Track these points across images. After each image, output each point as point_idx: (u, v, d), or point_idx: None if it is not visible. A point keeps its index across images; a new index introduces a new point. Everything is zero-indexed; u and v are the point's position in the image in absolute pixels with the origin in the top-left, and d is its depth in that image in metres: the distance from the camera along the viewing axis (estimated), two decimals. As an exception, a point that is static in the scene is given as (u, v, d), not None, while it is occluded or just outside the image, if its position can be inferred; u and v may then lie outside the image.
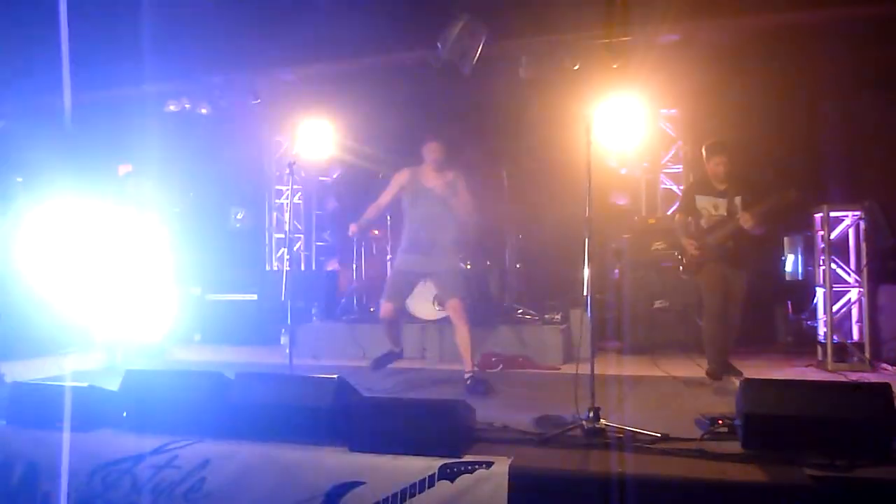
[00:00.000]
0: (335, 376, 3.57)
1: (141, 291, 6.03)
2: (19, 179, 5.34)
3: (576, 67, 6.56)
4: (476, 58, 6.29)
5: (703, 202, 5.12)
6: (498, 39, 6.33)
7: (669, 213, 7.64)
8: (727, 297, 5.01)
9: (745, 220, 4.84)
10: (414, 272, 5.24)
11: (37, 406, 3.73)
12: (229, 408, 3.59)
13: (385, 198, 5.26)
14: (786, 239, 6.27)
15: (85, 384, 3.83)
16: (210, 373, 3.78)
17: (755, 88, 6.90)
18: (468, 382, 4.91)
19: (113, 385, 3.89)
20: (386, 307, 5.15)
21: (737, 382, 3.77)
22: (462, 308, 5.02)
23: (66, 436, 3.55)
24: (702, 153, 5.14)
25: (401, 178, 5.21)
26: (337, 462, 3.19)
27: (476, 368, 5.18)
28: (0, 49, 6.53)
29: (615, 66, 6.51)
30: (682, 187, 7.83)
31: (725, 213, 5.03)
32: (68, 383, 3.80)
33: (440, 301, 6.12)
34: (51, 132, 7.24)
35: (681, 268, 5.36)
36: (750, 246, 5.00)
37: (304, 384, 3.63)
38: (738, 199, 4.98)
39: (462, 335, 5.01)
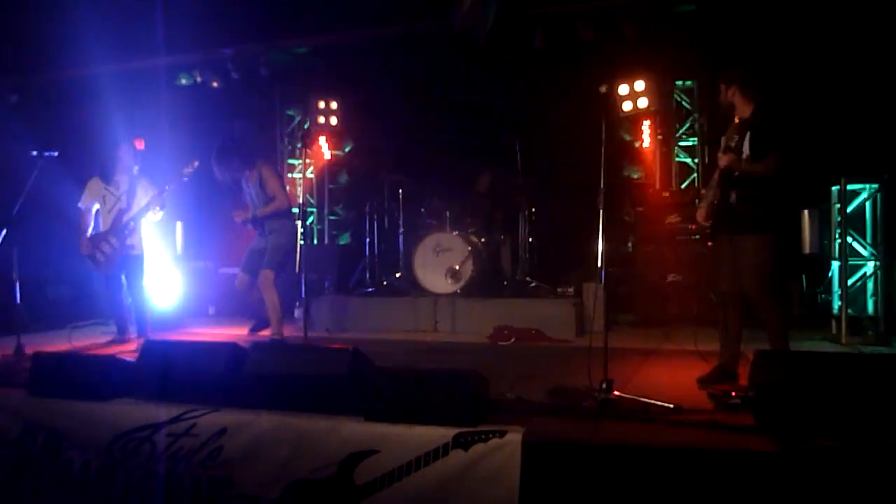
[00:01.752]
0: (350, 346, 3.60)
1: (151, 264, 6.09)
2: (34, 153, 5.39)
3: (591, 39, 6.47)
4: (490, 27, 6.22)
5: (722, 142, 4.12)
6: (511, 9, 6.25)
7: (683, 186, 7.60)
8: (734, 271, 4.09)
9: (723, 160, 3.98)
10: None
11: (57, 375, 3.78)
12: (246, 377, 3.63)
13: None
14: (803, 212, 6.21)
15: (103, 355, 3.89)
16: (226, 343, 3.83)
17: (773, 60, 6.80)
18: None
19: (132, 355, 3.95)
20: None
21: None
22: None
23: (87, 404, 3.61)
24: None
25: None
26: (352, 431, 3.23)
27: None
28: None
29: (630, 37, 6.43)
30: (696, 161, 7.77)
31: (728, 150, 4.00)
32: (88, 353, 3.85)
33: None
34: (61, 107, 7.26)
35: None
36: (753, 205, 4.00)
37: (320, 355, 3.66)
38: (746, 140, 4.00)
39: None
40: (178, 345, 4.06)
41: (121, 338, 5.75)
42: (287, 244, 5.63)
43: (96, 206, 5.76)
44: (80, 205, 5.80)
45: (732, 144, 4.01)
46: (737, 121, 4.12)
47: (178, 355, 3.81)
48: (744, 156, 4.00)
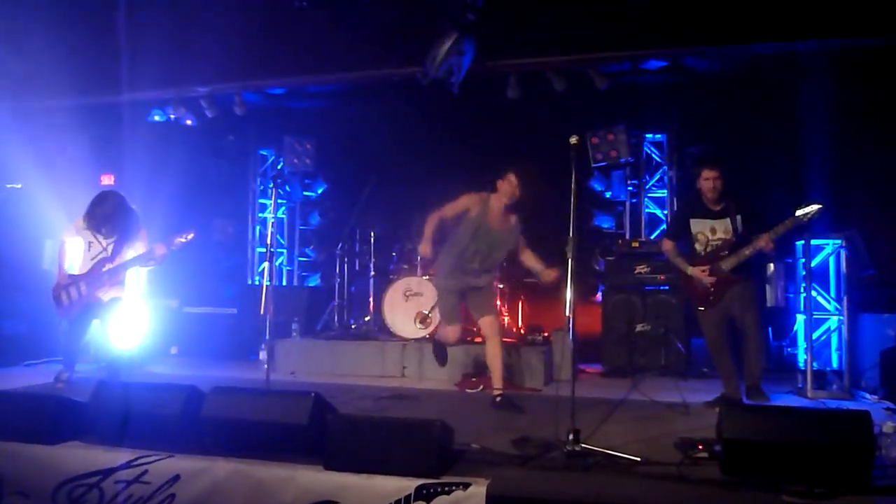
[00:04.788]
0: (312, 393, 3.51)
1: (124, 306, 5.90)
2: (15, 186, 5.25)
3: (563, 90, 6.60)
4: (464, 76, 6.31)
5: (699, 225, 4.86)
6: (485, 59, 6.37)
7: (653, 237, 7.68)
8: (736, 317, 4.87)
9: (766, 243, 4.64)
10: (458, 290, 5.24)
11: (2, 416, 3.62)
12: (202, 422, 3.52)
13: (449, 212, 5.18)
14: (767, 266, 6.30)
15: (53, 395, 3.73)
16: (183, 386, 3.70)
17: (740, 115, 7.01)
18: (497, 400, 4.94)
19: (83, 396, 3.79)
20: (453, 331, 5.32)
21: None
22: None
23: (32, 447, 3.45)
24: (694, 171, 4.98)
25: (470, 202, 5.12)
26: (311, 480, 3.12)
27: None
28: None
29: (602, 90, 6.57)
30: (665, 212, 7.89)
31: (727, 236, 4.79)
32: (36, 393, 3.70)
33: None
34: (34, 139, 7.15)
35: (696, 304, 5.00)
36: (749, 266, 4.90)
37: (280, 400, 3.57)
38: (738, 219, 4.72)
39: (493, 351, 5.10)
40: (133, 386, 3.92)
41: (68, 374, 5.52)
42: None
43: (80, 246, 5.55)
44: (62, 237, 5.62)
45: (724, 253, 4.82)
46: (717, 207, 4.82)
47: (132, 397, 3.68)
48: (740, 232, 4.79)
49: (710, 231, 4.84)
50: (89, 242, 5.55)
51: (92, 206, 5.55)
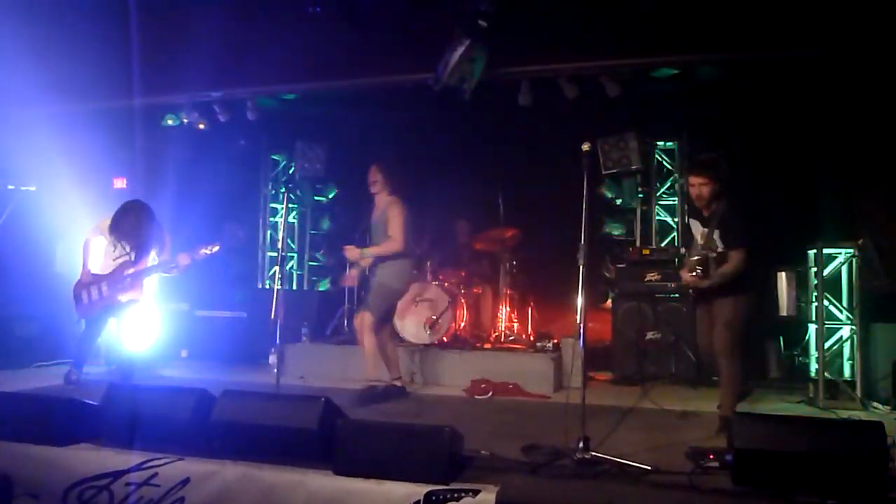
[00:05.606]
0: (322, 398, 3.51)
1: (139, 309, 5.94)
2: (11, 187, 5.30)
3: (575, 97, 6.60)
4: (476, 83, 6.32)
5: (695, 227, 4.71)
6: (497, 66, 6.37)
7: (664, 245, 7.66)
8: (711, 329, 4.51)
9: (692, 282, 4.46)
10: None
11: (14, 418, 3.64)
12: (212, 426, 3.53)
13: None
14: (779, 275, 6.26)
15: (64, 397, 3.76)
16: (194, 389, 3.72)
17: (753, 123, 6.98)
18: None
19: (94, 398, 3.81)
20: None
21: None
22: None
23: (43, 449, 3.47)
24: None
25: None
26: (320, 485, 3.12)
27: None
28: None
29: (613, 97, 6.56)
30: (676, 220, 7.86)
31: (706, 247, 4.48)
32: (47, 395, 3.72)
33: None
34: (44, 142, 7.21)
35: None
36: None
37: (290, 404, 3.57)
38: (716, 235, 4.45)
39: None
40: (144, 389, 3.94)
41: (77, 374, 5.55)
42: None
43: (103, 245, 5.59)
44: (87, 236, 5.67)
45: (699, 267, 4.43)
46: (706, 213, 4.58)
47: (143, 400, 3.70)
48: (719, 249, 4.42)
49: (700, 236, 4.65)
50: (114, 244, 5.58)
51: (117, 217, 5.59)
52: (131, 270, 5.49)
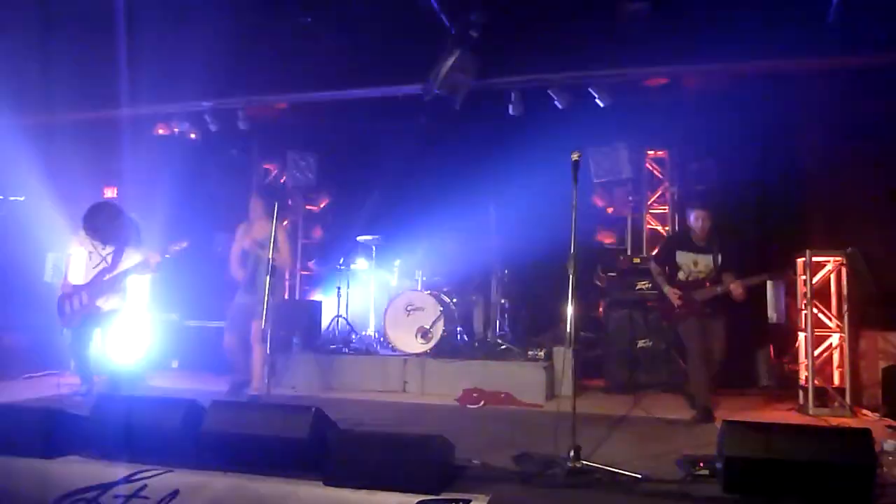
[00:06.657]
0: (312, 408, 3.50)
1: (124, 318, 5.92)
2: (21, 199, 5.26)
3: (565, 106, 6.64)
4: (467, 93, 6.35)
5: (684, 257, 5.41)
6: (488, 76, 6.41)
7: (655, 252, 7.68)
8: (707, 341, 5.28)
9: (737, 293, 5.17)
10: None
11: (0, 429, 3.60)
12: (202, 437, 3.50)
13: None
14: (768, 283, 6.29)
15: (52, 408, 3.72)
16: (183, 400, 3.70)
17: (741, 132, 7.03)
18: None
19: (84, 410, 3.78)
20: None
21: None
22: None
23: (29, 461, 3.44)
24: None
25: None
26: (311, 496, 3.11)
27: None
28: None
29: (603, 106, 6.61)
30: (667, 228, 7.90)
31: (707, 272, 5.34)
32: (35, 406, 3.69)
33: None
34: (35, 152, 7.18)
35: (661, 315, 5.72)
36: (729, 301, 5.31)
37: (280, 415, 3.55)
38: (719, 257, 5.29)
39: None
40: (133, 400, 3.91)
41: (88, 389, 5.55)
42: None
43: (83, 256, 5.61)
44: (69, 249, 5.67)
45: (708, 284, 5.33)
46: (702, 242, 5.38)
47: (132, 411, 3.67)
48: (718, 270, 5.34)
49: (692, 263, 5.39)
50: (90, 252, 5.60)
51: (87, 217, 5.61)
52: (109, 276, 5.51)
